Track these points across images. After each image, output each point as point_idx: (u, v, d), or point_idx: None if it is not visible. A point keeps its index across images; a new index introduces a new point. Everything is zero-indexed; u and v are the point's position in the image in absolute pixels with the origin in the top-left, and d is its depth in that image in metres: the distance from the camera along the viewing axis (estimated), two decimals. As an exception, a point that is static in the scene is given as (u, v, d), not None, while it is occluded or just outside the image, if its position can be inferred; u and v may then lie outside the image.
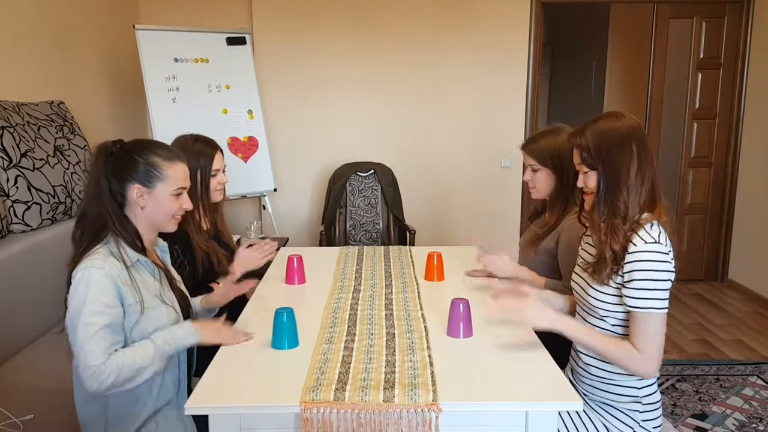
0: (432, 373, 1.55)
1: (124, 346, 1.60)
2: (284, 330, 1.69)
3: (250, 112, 4.02)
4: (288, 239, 3.90)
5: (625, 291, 1.59)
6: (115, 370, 1.53)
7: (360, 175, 4.06)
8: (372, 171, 4.07)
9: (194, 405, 1.41)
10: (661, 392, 3.08)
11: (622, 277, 1.60)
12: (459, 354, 1.68)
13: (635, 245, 1.57)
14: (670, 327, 3.98)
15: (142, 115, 3.73)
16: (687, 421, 2.82)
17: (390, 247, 2.84)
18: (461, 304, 1.77)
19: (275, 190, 4.06)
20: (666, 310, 1.57)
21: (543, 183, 2.21)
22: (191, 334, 1.69)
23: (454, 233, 4.41)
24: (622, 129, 1.63)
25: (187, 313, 1.80)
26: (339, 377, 1.52)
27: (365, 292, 2.19)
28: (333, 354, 1.66)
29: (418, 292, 2.19)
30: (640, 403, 1.69)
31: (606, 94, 6.38)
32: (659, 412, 1.71)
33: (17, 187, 2.56)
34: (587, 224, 1.77)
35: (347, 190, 4.04)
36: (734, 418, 2.83)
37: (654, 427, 1.70)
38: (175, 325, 1.71)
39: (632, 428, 1.69)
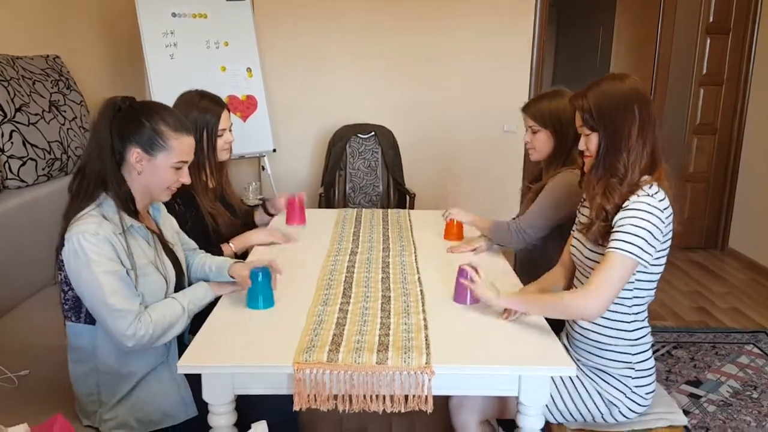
0: (426, 336, 1.54)
1: None
2: (259, 290, 1.70)
3: (249, 70, 3.95)
4: (286, 200, 3.88)
5: (612, 235, 1.58)
6: (150, 328, 1.54)
7: (360, 137, 4.01)
8: (372, 133, 4.02)
9: (187, 364, 1.41)
10: (655, 359, 3.10)
11: (612, 229, 1.59)
12: (454, 318, 1.68)
13: (629, 201, 1.56)
14: (668, 294, 3.99)
15: (140, 71, 3.66)
16: (681, 387, 2.84)
17: (389, 210, 2.82)
18: (469, 271, 1.75)
19: (274, 150, 4.02)
20: (636, 259, 1.53)
21: (542, 144, 2.20)
22: (209, 292, 1.75)
23: (454, 197, 4.38)
24: (625, 91, 1.60)
25: (180, 278, 1.78)
26: (333, 339, 1.51)
27: (362, 255, 2.17)
28: (328, 316, 1.65)
29: (416, 255, 2.18)
30: (633, 369, 1.68)
31: (612, 59, 6.28)
32: (652, 378, 1.71)
33: (12, 143, 2.52)
34: (583, 185, 1.75)
35: (347, 152, 3.99)
36: (729, 386, 2.84)
37: (646, 393, 1.70)
38: (193, 287, 1.75)
39: (624, 393, 1.69)
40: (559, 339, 1.88)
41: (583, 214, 1.79)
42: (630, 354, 1.68)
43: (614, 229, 1.57)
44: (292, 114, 4.26)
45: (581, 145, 1.69)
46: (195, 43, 3.78)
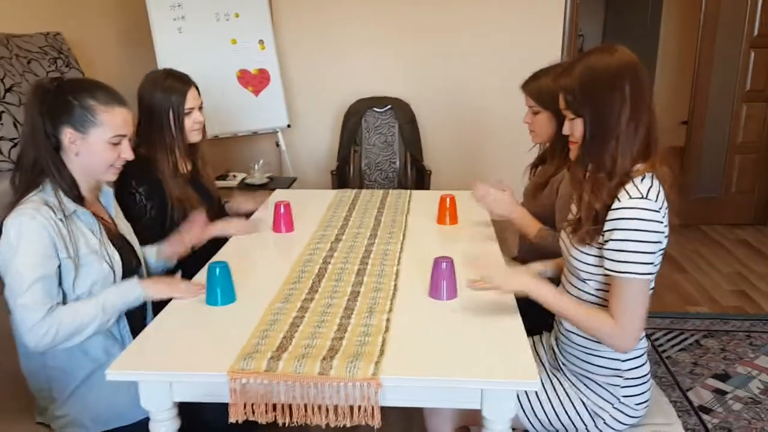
0: (383, 340, 1.40)
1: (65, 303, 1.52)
2: (217, 284, 1.59)
3: (261, 42, 3.82)
4: (295, 179, 3.76)
5: (604, 252, 1.40)
6: (53, 327, 1.46)
7: (376, 111, 3.85)
8: (389, 106, 3.85)
9: (118, 370, 1.31)
10: (683, 349, 2.89)
11: (603, 236, 1.40)
12: (422, 318, 1.53)
13: (619, 201, 1.37)
14: (707, 276, 3.72)
15: (147, 46, 3.58)
16: (707, 381, 2.62)
17: (390, 191, 2.67)
18: (444, 263, 1.60)
19: (289, 126, 3.90)
20: (650, 276, 1.38)
21: (543, 127, 2.01)
22: (136, 290, 1.60)
23: (477, 175, 4.17)
24: (613, 67, 1.39)
25: (132, 265, 1.69)
26: (281, 343, 1.40)
27: (345, 242, 2.04)
28: (284, 315, 1.54)
29: (402, 244, 2.03)
30: (622, 377, 1.51)
31: (662, 33, 5.89)
32: (645, 387, 1.54)
33: (2, 124, 2.48)
34: (569, 178, 1.56)
35: (362, 126, 3.84)
36: (760, 380, 2.61)
37: (637, 404, 1.52)
38: (124, 281, 1.63)
39: (611, 404, 1.52)
40: (548, 340, 1.73)
41: (572, 210, 1.60)
42: (619, 360, 1.51)
43: (609, 243, 1.38)
44: (307, 87, 4.11)
45: (565, 130, 1.50)
46: (204, 15, 3.68)
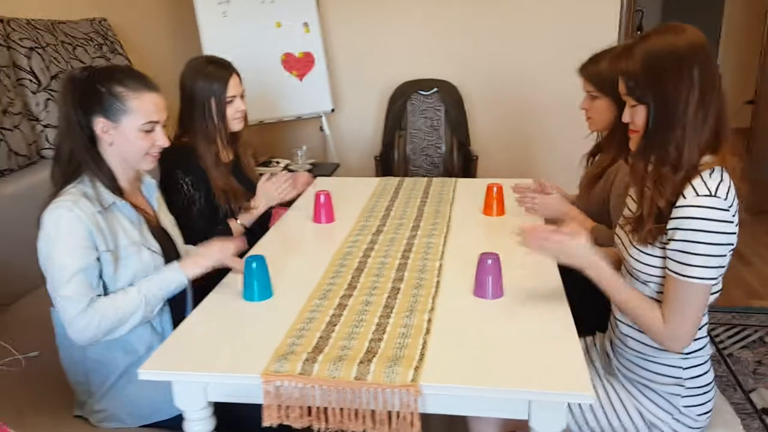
0: (423, 343, 1.33)
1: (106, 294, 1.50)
2: (254, 279, 1.54)
3: (305, 25, 3.75)
4: (338, 165, 3.70)
5: (667, 251, 1.29)
6: (95, 319, 1.44)
7: (422, 94, 3.74)
8: (435, 89, 3.73)
9: (151, 369, 1.28)
10: (745, 346, 2.72)
11: (666, 234, 1.29)
12: (465, 318, 1.45)
13: (684, 198, 1.25)
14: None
15: (192, 31, 3.55)
16: (771, 383, 2.46)
17: (434, 179, 2.57)
18: (489, 260, 1.52)
19: (333, 110, 3.83)
20: (712, 282, 1.26)
21: (601, 114, 1.88)
22: (177, 276, 1.56)
23: (528, 161, 4.01)
24: (680, 49, 1.26)
25: (171, 260, 1.66)
26: (317, 343, 1.34)
27: (386, 234, 1.97)
28: (321, 312, 1.48)
29: (445, 237, 1.94)
30: (683, 386, 1.40)
31: (727, 3, 5.56)
32: (708, 396, 1.42)
33: (48, 111, 2.49)
34: (630, 171, 1.44)
35: (407, 110, 3.74)
36: (831, 384, 2.44)
37: (698, 415, 1.41)
38: (164, 268, 1.59)
39: (671, 414, 1.41)
40: (602, 342, 1.62)
41: (628, 206, 1.49)
42: (681, 368, 1.40)
43: (671, 243, 1.27)
44: (351, 70, 4.03)
45: (625, 117, 1.38)
46: (248, -2, 3.63)
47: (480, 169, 3.57)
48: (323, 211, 2.08)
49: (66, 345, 1.58)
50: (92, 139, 1.52)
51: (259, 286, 1.55)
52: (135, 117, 1.51)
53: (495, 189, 2.11)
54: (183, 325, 1.45)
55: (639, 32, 6.55)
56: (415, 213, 2.16)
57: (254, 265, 1.54)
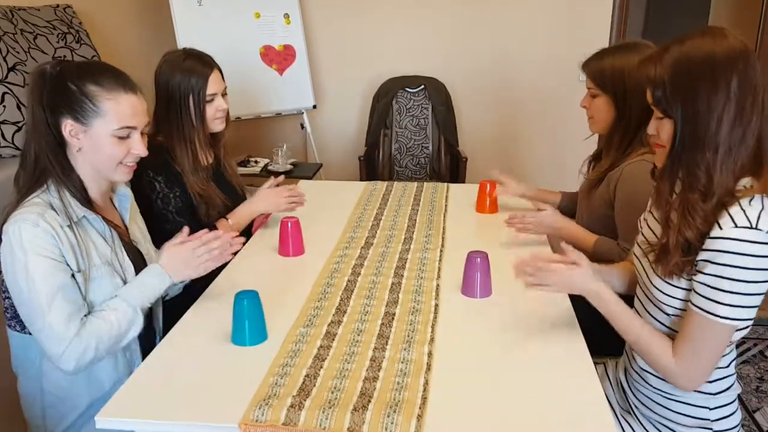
0: (425, 383, 1.17)
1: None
2: (246, 320, 1.31)
3: (286, 16, 3.56)
4: (321, 165, 3.52)
5: (693, 284, 1.15)
6: (92, 341, 1.26)
7: (408, 91, 3.57)
8: (422, 86, 3.57)
9: (107, 417, 1.10)
10: (745, 361, 2.61)
11: (696, 266, 1.14)
12: (469, 349, 1.29)
13: (720, 228, 1.09)
14: None
15: (165, 20, 3.34)
16: (774, 401, 2.36)
17: (425, 184, 2.41)
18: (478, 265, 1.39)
19: (314, 107, 3.65)
20: (740, 324, 1.12)
21: (601, 113, 1.76)
22: (161, 276, 1.39)
23: (518, 162, 3.88)
24: (717, 56, 1.10)
25: None
26: (303, 384, 1.17)
27: (377, 248, 1.80)
28: (307, 344, 1.31)
29: (441, 250, 1.79)
30: (710, 429, 1.26)
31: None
32: (737, 439, 1.29)
33: (5, 106, 2.28)
34: (654, 193, 1.29)
35: (393, 108, 3.57)
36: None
37: (726, 461, 1.27)
38: (141, 274, 1.41)
39: (697, 460, 1.27)
40: (615, 373, 1.48)
41: (649, 222, 1.34)
42: (708, 409, 1.26)
43: (699, 276, 1.13)
44: (335, 65, 3.84)
45: (650, 129, 1.23)
46: (225, -15, 3.42)
47: (468, 171, 3.41)
48: (291, 242, 1.78)
49: (24, 372, 1.40)
50: (61, 144, 1.33)
51: (251, 328, 1.32)
52: (108, 120, 1.31)
53: (488, 186, 2.03)
54: (149, 361, 1.27)
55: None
56: (406, 222, 2.00)
57: (246, 303, 1.31)
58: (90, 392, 1.38)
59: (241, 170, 3.29)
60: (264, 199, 1.94)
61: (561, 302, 1.47)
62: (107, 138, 1.33)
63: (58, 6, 2.78)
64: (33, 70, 1.33)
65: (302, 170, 3.30)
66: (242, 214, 1.92)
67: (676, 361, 1.17)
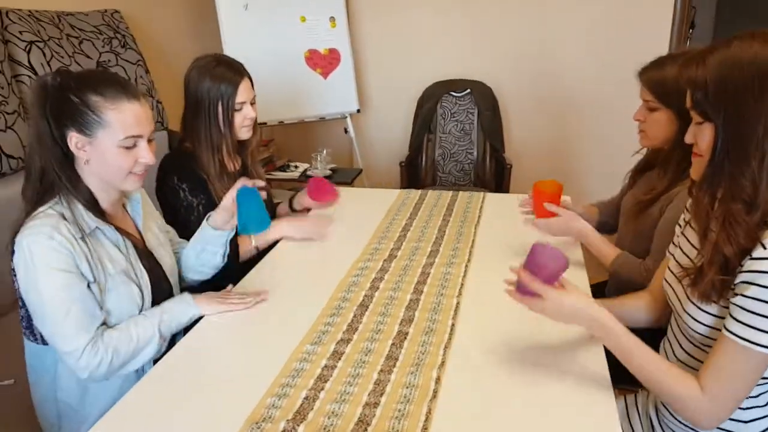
0: (428, 412, 1.10)
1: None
2: (247, 210, 1.54)
3: (332, 19, 3.54)
4: (361, 171, 3.47)
5: (730, 307, 1.04)
6: (108, 354, 1.27)
7: (453, 96, 3.48)
8: (468, 90, 3.47)
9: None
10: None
11: (734, 289, 1.03)
12: (479, 375, 1.21)
13: (764, 248, 0.99)
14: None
15: (211, 24, 3.37)
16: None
17: (461, 193, 2.33)
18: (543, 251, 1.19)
19: (358, 111, 3.61)
20: None
21: (659, 128, 1.61)
22: (192, 310, 1.44)
23: (566, 171, 3.71)
24: (764, 60, 1.00)
25: (161, 287, 1.47)
26: (300, 406, 1.12)
27: (400, 261, 1.74)
28: (312, 363, 1.26)
29: (467, 265, 1.71)
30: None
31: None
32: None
33: (47, 111, 2.33)
34: (692, 206, 1.18)
35: (438, 113, 3.49)
36: None
37: None
38: (172, 300, 1.45)
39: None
40: (644, 403, 1.37)
41: (684, 244, 1.23)
42: (743, 445, 1.14)
43: (737, 299, 1.02)
44: (379, 69, 3.79)
45: (688, 137, 1.13)
46: (272, -10, 3.42)
47: (514, 178, 3.30)
48: (319, 187, 2.10)
49: (38, 381, 1.42)
50: (68, 156, 1.32)
51: (254, 216, 1.54)
52: (113, 131, 1.29)
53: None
54: (145, 380, 1.25)
55: (691, 30, 6.16)
56: (435, 234, 1.93)
57: (247, 191, 1.53)
58: (102, 403, 1.37)
59: (280, 175, 3.28)
60: (281, 228, 1.92)
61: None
62: (113, 149, 1.31)
63: (106, 11, 2.83)
64: (34, 83, 1.34)
65: (342, 175, 3.26)
66: (267, 234, 1.89)
67: (700, 394, 1.05)
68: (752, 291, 0.99)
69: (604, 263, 1.68)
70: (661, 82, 1.57)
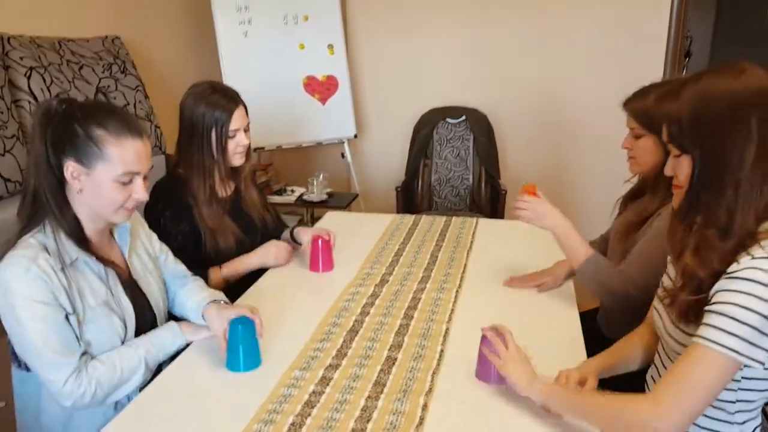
0: (414, 439, 1.10)
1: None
2: (239, 346, 1.34)
3: (330, 47, 3.59)
4: (356, 196, 3.49)
5: (704, 316, 1.04)
6: (92, 384, 1.27)
7: (449, 122, 3.52)
8: (463, 117, 3.51)
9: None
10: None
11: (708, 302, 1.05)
12: (466, 404, 1.21)
13: (738, 263, 1.01)
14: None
15: (211, 51, 3.42)
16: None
17: (454, 218, 2.35)
18: (490, 339, 1.28)
19: (356, 136, 3.64)
20: (745, 361, 0.99)
21: (647, 154, 1.65)
22: (177, 336, 1.44)
23: (561, 199, 3.73)
24: (737, 94, 1.03)
25: (146, 318, 1.46)
26: (286, 432, 1.12)
27: (391, 286, 1.75)
28: (300, 389, 1.26)
29: (458, 291, 1.71)
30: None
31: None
32: None
33: (46, 135, 2.36)
34: (667, 234, 1.20)
35: (434, 138, 3.53)
36: None
37: None
38: (160, 329, 1.44)
39: None
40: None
41: (669, 277, 1.24)
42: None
43: (710, 306, 1.03)
44: (377, 95, 3.84)
45: (668, 170, 1.15)
46: (271, 18, 3.48)
47: (508, 204, 3.31)
48: (321, 258, 1.87)
49: (23, 406, 1.41)
50: (60, 182, 1.32)
51: (245, 354, 1.34)
52: (112, 166, 1.30)
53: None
54: (140, 398, 1.25)
55: (687, 59, 6.24)
56: (427, 259, 1.94)
57: (240, 329, 1.33)
58: (86, 431, 1.37)
59: (277, 199, 3.30)
60: (263, 255, 1.91)
61: (575, 351, 1.37)
62: (109, 183, 1.31)
63: (107, 37, 2.88)
64: (38, 106, 1.35)
65: (337, 200, 3.28)
66: (237, 266, 1.87)
67: (646, 403, 1.03)
68: (720, 296, 1.02)
69: (573, 259, 1.64)
70: (644, 111, 1.61)
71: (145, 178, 1.37)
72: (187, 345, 1.45)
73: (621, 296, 1.56)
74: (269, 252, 1.92)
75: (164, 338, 1.42)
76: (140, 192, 1.36)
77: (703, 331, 1.02)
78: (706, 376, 1.01)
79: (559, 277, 1.75)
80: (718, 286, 1.03)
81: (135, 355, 1.34)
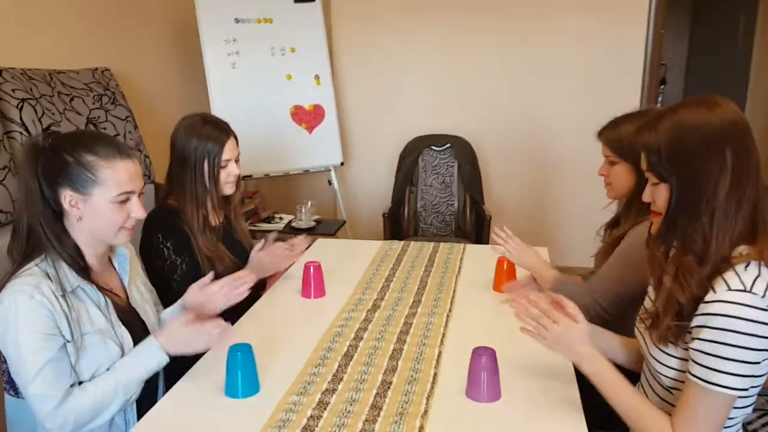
0: (411, 461, 1.13)
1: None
2: (238, 372, 1.35)
3: (317, 77, 3.66)
4: (344, 223, 3.54)
5: (690, 352, 1.11)
6: (70, 415, 1.28)
7: (434, 150, 3.59)
8: (448, 145, 3.59)
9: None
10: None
11: (690, 333, 1.11)
12: (462, 424, 1.25)
13: (714, 292, 1.07)
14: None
15: (200, 82, 3.47)
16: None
17: (442, 244, 2.40)
18: (484, 357, 1.32)
19: (342, 164, 3.70)
20: (740, 393, 1.07)
21: (621, 180, 1.74)
22: (158, 355, 1.40)
23: (544, 223, 3.83)
24: (711, 126, 1.10)
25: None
26: (286, 456, 1.15)
27: (383, 311, 1.78)
28: (298, 413, 1.29)
29: (448, 315, 1.76)
30: None
31: (754, 55, 5.38)
32: None
33: (37, 165, 2.38)
34: (647, 259, 1.26)
35: (419, 166, 3.60)
36: None
37: None
38: (138, 347, 1.42)
39: None
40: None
41: (650, 298, 1.30)
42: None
43: (697, 344, 1.08)
44: (363, 124, 3.92)
45: (646, 196, 1.22)
46: (259, 50, 3.55)
47: (493, 229, 3.38)
48: (313, 284, 1.90)
49: (17, 420, 1.41)
50: (58, 214, 1.36)
51: (244, 380, 1.35)
52: (107, 188, 1.34)
53: (506, 264, 1.93)
54: (142, 425, 1.27)
55: (662, 86, 6.42)
56: (417, 285, 1.98)
57: (239, 356, 1.35)
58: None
59: (265, 226, 3.34)
60: (257, 266, 1.95)
61: (562, 374, 1.42)
62: (107, 205, 1.35)
63: (96, 69, 2.92)
64: (24, 144, 1.39)
65: (325, 227, 3.32)
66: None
67: None
68: (705, 333, 1.07)
69: (541, 280, 1.82)
70: (617, 140, 1.72)
71: (139, 195, 1.42)
72: (175, 358, 1.44)
73: (593, 314, 1.66)
74: (263, 261, 1.96)
75: (143, 357, 1.39)
76: (138, 210, 1.40)
77: (703, 373, 1.07)
78: (716, 415, 1.09)
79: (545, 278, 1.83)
80: (699, 320, 1.08)
81: (114, 380, 1.34)
